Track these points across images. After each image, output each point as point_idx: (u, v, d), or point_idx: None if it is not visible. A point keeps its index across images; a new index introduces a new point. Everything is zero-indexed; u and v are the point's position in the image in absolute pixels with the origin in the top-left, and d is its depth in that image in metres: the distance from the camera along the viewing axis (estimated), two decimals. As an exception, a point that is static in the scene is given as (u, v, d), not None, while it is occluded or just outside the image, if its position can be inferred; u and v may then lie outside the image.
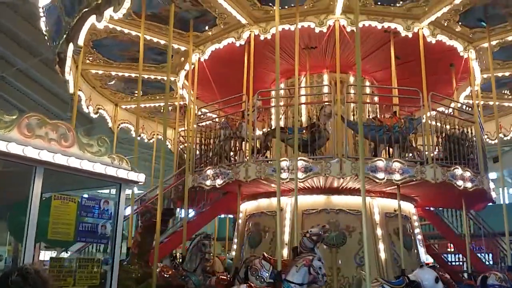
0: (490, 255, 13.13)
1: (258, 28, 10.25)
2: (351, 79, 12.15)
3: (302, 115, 11.80)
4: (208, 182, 10.16)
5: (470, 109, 10.79)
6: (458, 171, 9.55)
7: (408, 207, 11.44)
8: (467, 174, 9.69)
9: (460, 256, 13.89)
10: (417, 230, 11.66)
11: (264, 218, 11.19)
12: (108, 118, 14.66)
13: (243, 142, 10.47)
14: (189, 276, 8.42)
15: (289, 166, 9.31)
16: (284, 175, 9.33)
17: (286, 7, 9.88)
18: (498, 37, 10.45)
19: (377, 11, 9.81)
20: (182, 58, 12.19)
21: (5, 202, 8.37)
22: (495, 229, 12.55)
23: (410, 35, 10.00)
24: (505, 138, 14.61)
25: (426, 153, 10.28)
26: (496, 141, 14.85)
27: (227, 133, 10.48)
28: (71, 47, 10.33)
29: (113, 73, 12.63)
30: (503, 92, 13.38)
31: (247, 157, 9.89)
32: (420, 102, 9.57)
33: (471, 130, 10.37)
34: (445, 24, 10.20)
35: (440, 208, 14.05)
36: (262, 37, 10.30)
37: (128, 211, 12.94)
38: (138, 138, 15.86)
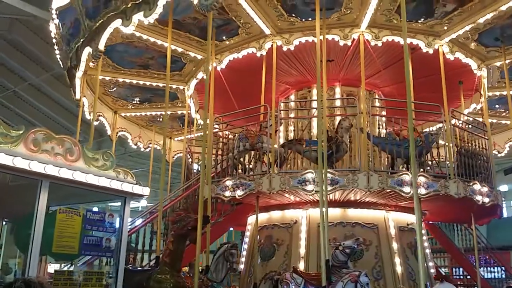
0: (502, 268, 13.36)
1: (281, 39, 10.19)
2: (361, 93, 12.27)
3: (314, 128, 11.81)
4: (227, 193, 9.96)
5: (484, 125, 11.00)
6: (477, 186, 9.73)
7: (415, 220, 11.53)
8: (485, 189, 9.89)
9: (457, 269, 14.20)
10: (425, 244, 11.78)
11: (277, 231, 11.05)
12: (108, 126, 14.26)
13: (262, 154, 10.34)
14: (216, 286, 8.15)
15: (315, 178, 9.24)
16: (309, 187, 9.27)
17: (310, 19, 9.93)
18: (510, 57, 10.76)
19: (401, 27, 9.90)
20: (193, 67, 12.04)
21: (13, 215, 8.40)
22: (502, 243, 12.81)
23: (431, 51, 10.17)
24: (499, 155, 15.02)
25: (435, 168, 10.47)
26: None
27: (247, 145, 10.31)
28: (87, 51, 10.01)
29: (121, 80, 12.32)
30: (500, 110, 13.80)
31: (270, 169, 9.72)
32: (441, 117, 9.73)
33: (483, 145, 10.59)
34: (462, 42, 10.44)
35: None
36: (285, 48, 10.26)
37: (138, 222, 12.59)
38: (135, 146, 15.68)
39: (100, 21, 9.04)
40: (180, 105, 14.19)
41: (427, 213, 11.60)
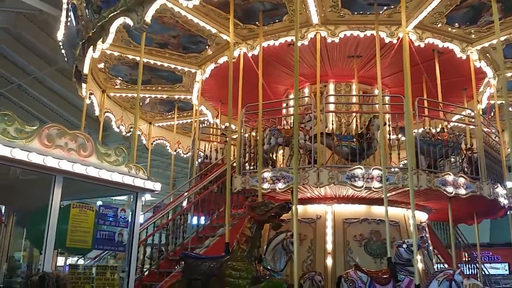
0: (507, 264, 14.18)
1: (326, 30, 9.95)
2: (376, 92, 12.36)
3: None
4: (266, 186, 9.53)
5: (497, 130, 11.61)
6: (499, 188, 10.27)
7: (424, 218, 11.96)
8: (504, 191, 10.48)
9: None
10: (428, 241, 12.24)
11: (299, 226, 10.78)
12: (96, 106, 13.03)
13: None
14: (275, 276, 7.73)
15: (364, 174, 9.16)
16: (359, 183, 9.15)
17: (357, 13, 9.82)
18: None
19: (442, 31, 10.16)
20: (210, 52, 11.35)
21: (23, 208, 8.39)
22: (506, 240, 13.60)
23: (464, 57, 10.52)
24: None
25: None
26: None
27: (279, 140, 9.96)
28: (119, 22, 9.01)
29: (130, 57, 11.29)
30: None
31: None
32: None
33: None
34: (487, 51, 10.94)
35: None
36: (329, 40, 10.03)
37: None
38: (117, 130, 14.52)
39: (154, -11, 8.16)
40: (178, 89, 13.40)
41: (435, 211, 12.02)
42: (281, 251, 7.80)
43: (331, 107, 11.79)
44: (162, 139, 16.03)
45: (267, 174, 9.57)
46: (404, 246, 8.14)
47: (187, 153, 16.33)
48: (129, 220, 7.20)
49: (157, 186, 7.29)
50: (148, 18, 8.45)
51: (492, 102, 13.09)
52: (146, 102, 14.70)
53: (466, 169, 10.55)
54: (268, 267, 7.77)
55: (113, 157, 6.71)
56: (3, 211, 8.59)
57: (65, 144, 6.09)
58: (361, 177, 9.16)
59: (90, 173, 6.22)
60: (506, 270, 14.17)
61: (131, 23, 8.71)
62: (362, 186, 9.15)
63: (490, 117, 14.78)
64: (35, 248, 8.59)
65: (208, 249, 9.43)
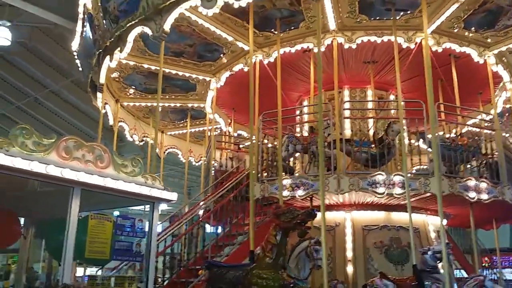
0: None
1: (343, 36, 9.91)
2: (392, 97, 12.30)
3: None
4: (285, 193, 9.44)
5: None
6: (520, 193, 10.17)
7: (443, 224, 11.82)
8: (524, 195, 10.36)
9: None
10: (449, 247, 12.10)
11: (315, 233, 10.68)
12: (110, 115, 13.01)
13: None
14: (299, 283, 7.60)
15: (386, 180, 9.07)
16: (380, 189, 9.06)
17: (379, 18, 9.77)
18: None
19: (459, 35, 10.12)
20: (225, 60, 11.33)
21: (40, 220, 8.47)
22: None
23: (481, 61, 10.46)
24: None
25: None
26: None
27: (297, 147, 9.92)
28: (137, 31, 9.00)
29: (146, 66, 11.26)
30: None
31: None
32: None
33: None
34: (503, 55, 10.87)
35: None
36: (346, 46, 9.99)
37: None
38: (131, 139, 14.51)
39: (172, -1, 8.15)
40: (191, 97, 13.38)
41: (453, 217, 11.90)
42: (305, 259, 7.65)
43: (347, 113, 11.77)
44: (174, 148, 15.99)
45: (287, 181, 9.50)
46: (430, 253, 8.04)
47: (198, 161, 16.28)
48: (147, 230, 7.21)
49: (174, 196, 7.34)
50: (167, 27, 8.42)
51: (507, 106, 13.04)
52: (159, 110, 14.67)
53: (484, 173, 10.46)
54: (292, 275, 7.67)
55: (130, 168, 6.74)
56: (22, 223, 8.61)
57: (83, 156, 6.13)
58: (383, 183, 9.07)
59: (107, 184, 6.25)
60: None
61: (149, 32, 8.69)
62: (384, 193, 9.05)
63: (504, 121, 14.74)
64: (54, 259, 8.62)
65: (228, 258, 9.32)
